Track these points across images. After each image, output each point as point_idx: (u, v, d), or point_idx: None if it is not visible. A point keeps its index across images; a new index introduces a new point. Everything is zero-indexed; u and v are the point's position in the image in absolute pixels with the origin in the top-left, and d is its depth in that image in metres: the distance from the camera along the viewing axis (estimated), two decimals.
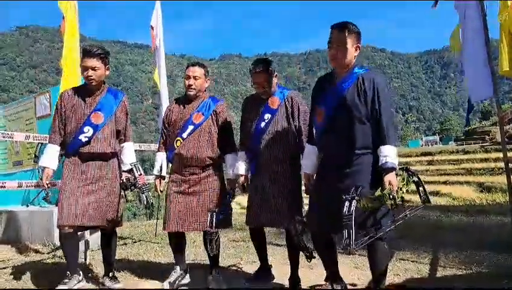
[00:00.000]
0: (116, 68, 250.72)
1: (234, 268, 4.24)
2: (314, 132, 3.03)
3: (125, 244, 5.76)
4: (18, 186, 4.63)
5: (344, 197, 2.53)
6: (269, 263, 3.72)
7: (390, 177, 2.59)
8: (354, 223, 2.44)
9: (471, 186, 19.69)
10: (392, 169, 2.61)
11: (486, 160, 23.50)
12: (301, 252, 3.23)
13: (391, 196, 2.50)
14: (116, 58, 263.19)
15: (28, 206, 6.15)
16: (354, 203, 2.50)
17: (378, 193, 2.55)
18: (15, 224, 5.78)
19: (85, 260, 4.36)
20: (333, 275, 3.09)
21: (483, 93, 4.25)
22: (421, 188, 2.68)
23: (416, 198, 2.68)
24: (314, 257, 3.16)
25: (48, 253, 4.96)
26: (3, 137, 4.86)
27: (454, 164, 25.05)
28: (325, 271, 3.16)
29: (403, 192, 2.59)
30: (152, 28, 6.40)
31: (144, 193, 3.49)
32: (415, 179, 2.67)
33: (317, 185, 3.01)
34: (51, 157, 3.43)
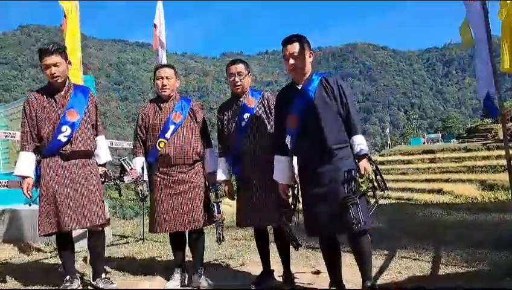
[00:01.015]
0: (117, 67, 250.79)
1: (236, 268, 4.25)
2: (289, 139, 3.08)
3: (127, 243, 5.77)
4: (20, 186, 4.63)
5: (342, 180, 2.78)
6: (271, 267, 3.68)
7: (365, 163, 2.84)
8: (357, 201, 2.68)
9: (473, 184, 19.69)
10: (366, 155, 2.87)
11: (488, 158, 23.48)
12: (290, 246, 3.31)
13: (369, 180, 2.79)
14: (118, 57, 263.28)
15: (30, 205, 6.14)
16: (352, 183, 2.75)
17: (358, 179, 2.77)
18: (18, 223, 5.79)
19: (87, 259, 4.36)
20: (336, 280, 3.13)
21: (485, 91, 4.23)
22: (378, 177, 2.90)
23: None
24: (301, 245, 3.28)
25: (50, 252, 4.98)
26: (5, 136, 4.87)
27: (456, 162, 25.03)
28: (321, 271, 3.20)
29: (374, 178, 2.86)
30: (155, 26, 6.40)
31: (138, 186, 3.51)
32: (374, 167, 2.89)
33: (305, 191, 3.08)
34: (27, 165, 3.34)
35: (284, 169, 3.16)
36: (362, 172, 2.79)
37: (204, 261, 3.96)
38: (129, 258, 4.76)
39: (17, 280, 3.88)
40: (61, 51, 3.38)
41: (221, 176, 3.58)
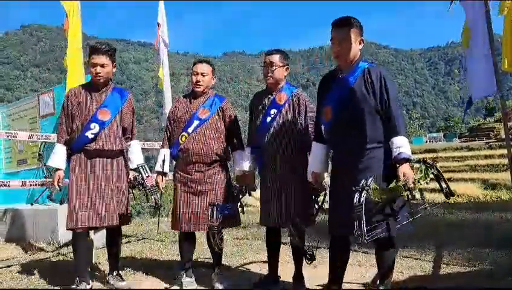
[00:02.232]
0: (119, 66, 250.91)
1: (238, 267, 4.25)
2: (323, 130, 2.95)
3: (129, 242, 5.78)
4: (22, 185, 4.65)
5: (354, 189, 2.46)
6: (278, 275, 3.54)
7: (404, 169, 2.53)
8: (366, 214, 2.38)
9: (475, 183, 19.60)
10: (407, 160, 2.55)
11: (490, 157, 23.38)
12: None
13: (406, 188, 2.45)
14: (120, 56, 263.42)
15: (32, 204, 6.17)
16: (364, 193, 2.42)
17: (392, 184, 2.50)
18: (20, 222, 5.81)
19: (92, 258, 4.37)
20: (333, 282, 2.96)
21: (487, 90, 4.22)
22: (441, 182, 2.63)
23: (431, 195, 2.69)
24: (315, 259, 3.13)
25: (52, 251, 4.98)
26: (7, 136, 4.89)
27: (458, 161, 24.93)
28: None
29: (420, 184, 2.53)
30: (159, 25, 6.41)
31: (152, 195, 3.49)
32: (434, 171, 2.61)
33: (332, 185, 2.94)
34: (60, 157, 3.42)
35: (317, 156, 3.02)
36: (401, 177, 2.49)
37: (206, 261, 3.98)
38: (131, 257, 4.76)
39: (19, 279, 3.89)
40: (111, 52, 3.46)
41: (242, 166, 3.49)
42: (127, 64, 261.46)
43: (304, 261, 3.25)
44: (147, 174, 3.53)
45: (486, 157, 23.74)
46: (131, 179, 3.57)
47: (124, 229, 7.02)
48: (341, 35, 2.76)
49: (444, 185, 2.63)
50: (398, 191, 2.47)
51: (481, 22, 4.16)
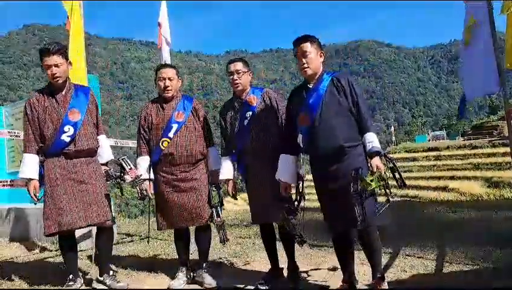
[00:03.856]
0: (122, 65, 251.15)
1: (241, 266, 4.26)
2: (301, 138, 3.11)
3: (132, 241, 5.79)
4: (25, 185, 4.65)
5: (351, 176, 2.76)
6: (280, 266, 3.66)
7: (377, 161, 2.83)
8: (364, 200, 2.72)
9: (478, 181, 19.52)
10: (378, 153, 2.86)
11: (493, 155, 23.28)
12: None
13: (381, 178, 2.77)
14: (122, 55, 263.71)
15: (35, 203, 6.18)
16: (358, 182, 2.73)
17: (369, 176, 2.76)
18: (23, 221, 5.83)
19: (94, 258, 4.38)
20: (349, 277, 3.19)
21: (490, 88, 4.20)
22: (396, 174, 2.92)
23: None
24: (306, 242, 3.30)
25: (56, 250, 5.00)
26: (10, 135, 4.90)
27: (461, 159, 24.83)
28: (326, 264, 3.21)
29: (387, 176, 2.85)
30: (160, 25, 6.41)
31: (137, 186, 3.48)
32: (391, 165, 2.92)
33: (318, 190, 3.13)
34: (31, 167, 3.34)
35: (289, 168, 3.22)
36: (374, 170, 2.79)
37: (209, 259, 3.97)
38: (134, 256, 4.78)
39: (22, 278, 3.91)
40: (62, 51, 3.39)
41: (224, 174, 3.58)
42: (129, 63, 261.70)
43: (296, 246, 3.40)
44: (129, 167, 3.52)
45: (489, 155, 23.63)
46: (103, 173, 3.56)
47: (127, 228, 7.07)
48: (305, 49, 3.06)
49: (398, 178, 2.91)
50: (377, 182, 2.74)
51: (484, 21, 4.14)
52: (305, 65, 3.07)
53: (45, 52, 3.32)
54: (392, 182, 2.85)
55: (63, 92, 3.44)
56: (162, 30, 6.42)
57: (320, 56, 3.13)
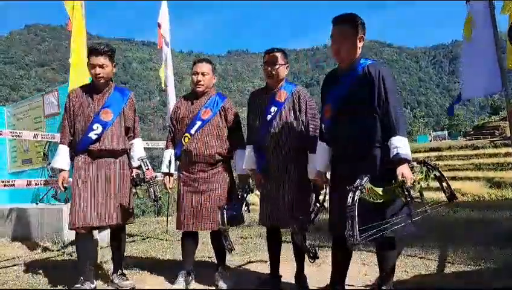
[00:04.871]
0: (123, 66, 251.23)
1: (242, 266, 4.25)
2: (323, 128, 2.94)
3: (134, 241, 5.80)
4: (27, 185, 4.67)
5: (348, 188, 2.38)
6: (279, 273, 3.53)
7: (403, 169, 2.46)
8: (361, 215, 2.28)
9: (480, 181, 19.49)
10: (405, 161, 2.48)
11: (495, 155, 23.24)
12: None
13: (405, 189, 2.39)
14: (124, 56, 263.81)
15: (37, 203, 6.21)
16: (357, 193, 2.34)
17: (388, 186, 2.45)
18: (25, 221, 5.84)
19: (96, 258, 4.38)
20: (336, 282, 2.95)
21: (492, 88, 4.20)
22: (444, 184, 2.59)
23: (436, 195, 2.63)
24: (318, 258, 3.05)
25: (57, 250, 5.01)
26: (12, 136, 4.91)
27: (463, 159, 24.78)
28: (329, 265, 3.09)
29: (421, 186, 2.50)
30: (159, 25, 6.42)
31: (151, 187, 3.47)
32: (436, 173, 2.57)
33: (332, 186, 2.93)
34: (63, 158, 3.44)
35: (322, 155, 2.98)
36: (399, 178, 2.42)
37: (210, 260, 3.98)
38: (136, 257, 4.77)
39: (24, 278, 3.91)
40: (110, 53, 3.44)
41: (246, 165, 3.46)
42: (130, 63, 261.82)
43: (307, 260, 3.24)
44: (146, 167, 3.52)
45: (491, 155, 23.58)
46: (134, 176, 3.56)
47: (129, 228, 7.06)
48: (341, 32, 2.71)
49: (445, 187, 2.61)
50: (395, 191, 2.42)
51: (485, 20, 4.13)
52: (336, 51, 2.74)
53: (93, 51, 3.38)
54: (430, 195, 2.55)
55: (102, 92, 3.49)
56: (161, 30, 6.42)
57: (360, 41, 2.72)
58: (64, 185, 3.43)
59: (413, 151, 30.23)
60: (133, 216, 3.63)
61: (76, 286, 3.32)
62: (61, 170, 3.44)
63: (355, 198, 2.33)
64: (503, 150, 22.83)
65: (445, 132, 60.95)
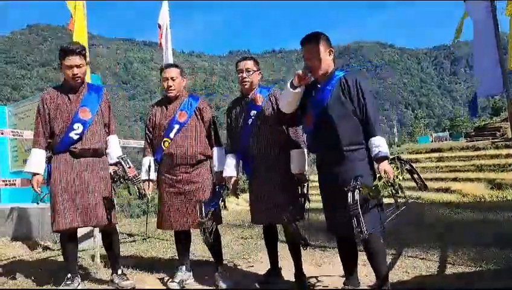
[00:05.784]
0: (124, 66, 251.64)
1: (243, 267, 4.25)
2: (305, 137, 3.17)
3: (134, 241, 5.80)
4: (28, 184, 4.66)
5: (346, 189, 2.66)
6: (279, 266, 3.67)
7: (384, 166, 2.74)
8: (362, 211, 2.59)
9: (481, 183, 19.49)
10: (385, 158, 2.76)
11: (497, 156, 23.22)
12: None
13: (389, 184, 2.66)
14: (125, 56, 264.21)
15: (38, 203, 6.19)
16: (357, 192, 2.62)
17: (376, 181, 2.67)
18: (25, 221, 5.84)
19: (95, 257, 4.38)
20: (351, 275, 3.15)
21: (492, 89, 4.19)
22: (415, 175, 2.84)
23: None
24: (309, 245, 3.26)
25: (58, 250, 5.00)
26: (13, 135, 4.91)
27: (464, 161, 24.78)
28: (330, 265, 3.17)
29: (399, 180, 2.73)
30: (159, 26, 6.42)
31: (135, 184, 3.49)
32: (408, 166, 2.83)
33: (321, 190, 3.10)
34: (38, 162, 3.39)
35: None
36: (382, 175, 2.69)
37: (210, 260, 3.98)
38: (136, 256, 4.78)
39: (25, 277, 3.91)
40: (84, 52, 3.46)
41: (227, 172, 3.55)
42: (132, 63, 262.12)
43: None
44: (128, 166, 3.53)
45: (492, 157, 23.57)
46: (111, 173, 3.57)
47: (129, 228, 7.08)
48: (311, 50, 2.96)
49: (417, 178, 2.86)
50: (383, 187, 2.64)
51: (486, 21, 4.13)
52: (311, 66, 2.99)
53: (69, 52, 3.36)
54: (408, 184, 2.78)
55: (77, 91, 3.48)
56: (162, 30, 6.42)
57: (329, 54, 3.00)
58: (38, 188, 3.40)
59: (415, 152, 30.37)
60: (115, 215, 3.61)
61: (68, 282, 3.37)
62: (34, 174, 3.39)
63: (356, 197, 2.61)
64: (504, 151, 22.84)
65: (447, 133, 60.91)
